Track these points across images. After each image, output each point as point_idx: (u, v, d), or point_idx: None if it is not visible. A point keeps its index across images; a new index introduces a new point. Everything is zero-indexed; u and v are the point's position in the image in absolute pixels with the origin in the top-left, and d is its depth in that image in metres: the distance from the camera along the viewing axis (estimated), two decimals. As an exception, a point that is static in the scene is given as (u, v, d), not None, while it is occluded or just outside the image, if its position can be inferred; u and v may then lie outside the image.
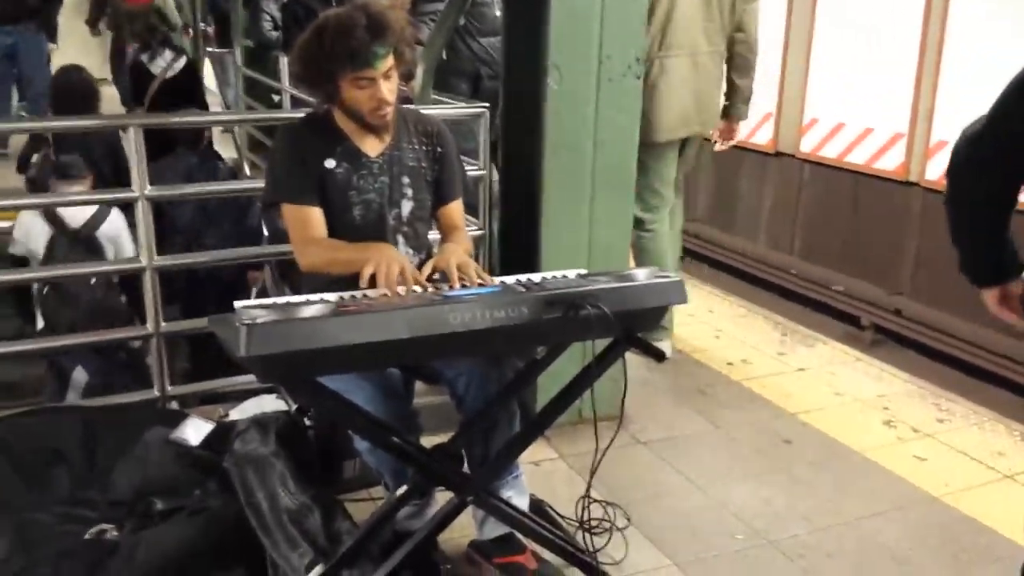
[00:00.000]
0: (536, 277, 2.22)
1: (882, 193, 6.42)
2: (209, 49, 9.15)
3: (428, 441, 2.36)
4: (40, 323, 4.44)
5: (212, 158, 5.50)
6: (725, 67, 4.23)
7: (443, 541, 2.54)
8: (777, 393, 3.87)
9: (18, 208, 4.45)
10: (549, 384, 2.63)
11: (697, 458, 3.30)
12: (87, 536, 2.40)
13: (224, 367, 2.53)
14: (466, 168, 2.85)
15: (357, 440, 2.42)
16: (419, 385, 2.71)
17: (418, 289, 2.13)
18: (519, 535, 2.47)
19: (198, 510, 2.43)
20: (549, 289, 2.06)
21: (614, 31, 3.13)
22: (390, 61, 2.34)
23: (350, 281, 2.20)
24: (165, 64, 6.65)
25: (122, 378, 3.97)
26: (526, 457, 2.61)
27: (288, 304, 1.94)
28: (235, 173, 6.14)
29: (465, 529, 2.57)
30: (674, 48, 3.85)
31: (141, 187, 3.02)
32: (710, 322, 4.74)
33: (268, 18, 6.76)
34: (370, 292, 2.12)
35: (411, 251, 2.54)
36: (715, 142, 4.49)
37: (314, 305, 1.90)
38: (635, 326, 2.17)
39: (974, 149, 1.89)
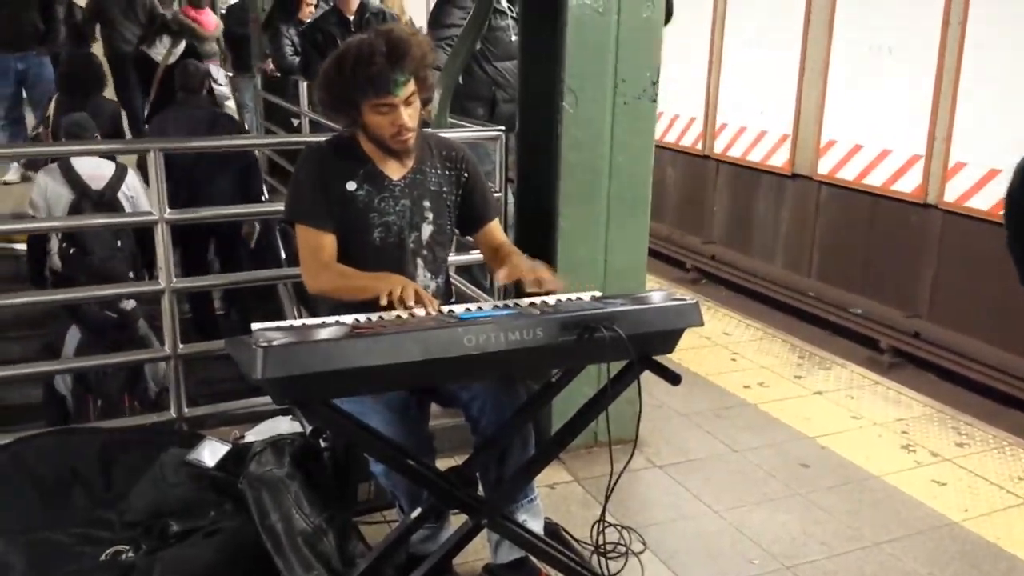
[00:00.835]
0: (551, 299, 2.22)
1: (900, 215, 6.40)
2: (229, 74, 9.23)
3: (443, 464, 2.37)
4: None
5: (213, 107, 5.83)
6: None
7: (457, 565, 2.53)
8: (794, 417, 3.85)
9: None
10: (564, 407, 2.62)
11: (714, 482, 3.28)
12: (103, 557, 2.41)
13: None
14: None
15: (372, 462, 2.42)
16: (434, 407, 2.71)
17: (432, 311, 2.13)
18: (534, 559, 2.46)
19: (213, 531, 2.44)
20: (564, 312, 2.06)
21: (629, 54, 3.15)
22: (411, 88, 2.36)
23: (366, 303, 2.21)
24: (165, 49, 6.67)
25: (113, 335, 4.24)
26: (541, 480, 2.61)
27: (304, 326, 1.95)
28: (238, 125, 6.25)
29: (479, 553, 2.56)
30: None
31: (161, 211, 3.06)
32: (727, 345, 4.72)
33: (289, 43, 6.82)
34: (385, 315, 2.12)
35: (429, 274, 2.55)
36: None
37: (329, 327, 1.90)
38: (650, 349, 2.17)
39: None
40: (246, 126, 9.20)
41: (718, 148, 8.19)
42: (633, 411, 2.39)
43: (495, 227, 2.67)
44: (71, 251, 4.51)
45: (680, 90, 8.22)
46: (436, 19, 4.89)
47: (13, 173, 7.95)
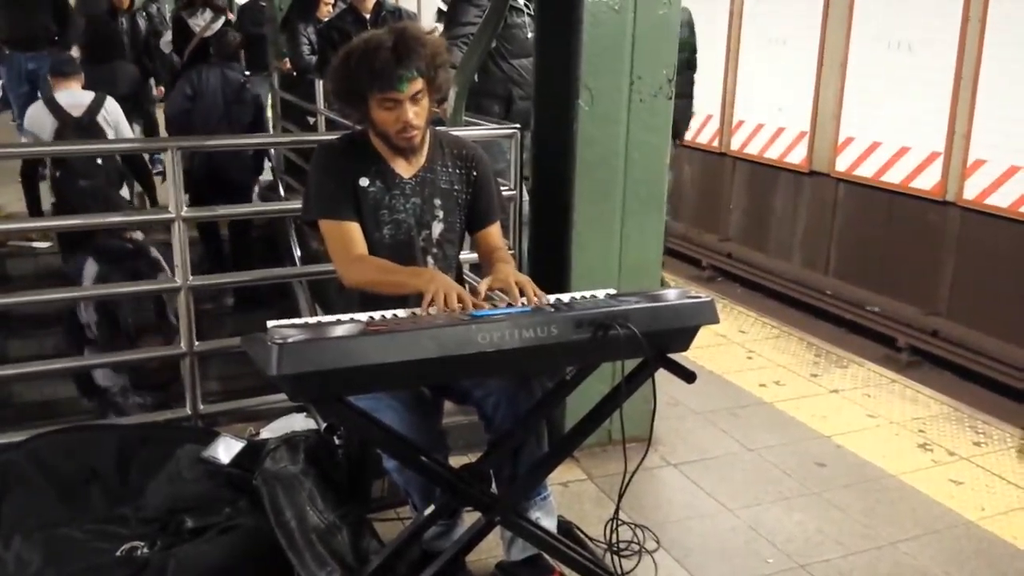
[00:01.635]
0: (566, 297, 2.22)
1: (918, 212, 6.37)
2: (247, 73, 9.28)
3: (456, 461, 2.37)
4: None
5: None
6: None
7: (470, 562, 2.53)
8: (810, 415, 3.83)
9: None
10: (578, 404, 2.62)
11: (728, 480, 3.27)
12: (118, 553, 2.42)
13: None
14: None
15: (386, 459, 2.43)
16: (448, 405, 2.71)
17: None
18: (547, 556, 2.45)
19: (228, 528, 2.45)
20: (579, 309, 2.05)
21: (645, 52, 3.14)
22: (418, 85, 2.36)
23: (383, 300, 2.22)
24: (204, 23, 6.95)
25: (130, 263, 4.63)
26: (554, 478, 2.61)
27: (319, 324, 1.95)
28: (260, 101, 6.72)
29: (493, 550, 2.56)
30: None
31: (178, 209, 3.08)
32: (742, 343, 4.70)
33: (306, 42, 6.84)
34: (400, 312, 2.13)
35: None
36: None
37: (344, 325, 1.91)
38: (665, 346, 2.16)
39: None
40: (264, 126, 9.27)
41: (735, 145, 8.16)
42: (648, 409, 2.38)
43: (495, 230, 2.66)
44: (57, 174, 5.37)
45: (696, 87, 8.18)
46: (452, 17, 4.90)
47: None
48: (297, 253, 6.00)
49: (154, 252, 4.80)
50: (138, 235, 4.94)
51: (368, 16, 5.94)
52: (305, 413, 2.91)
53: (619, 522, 2.49)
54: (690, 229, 8.64)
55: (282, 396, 2.54)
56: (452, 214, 2.56)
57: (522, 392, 2.38)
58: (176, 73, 7.56)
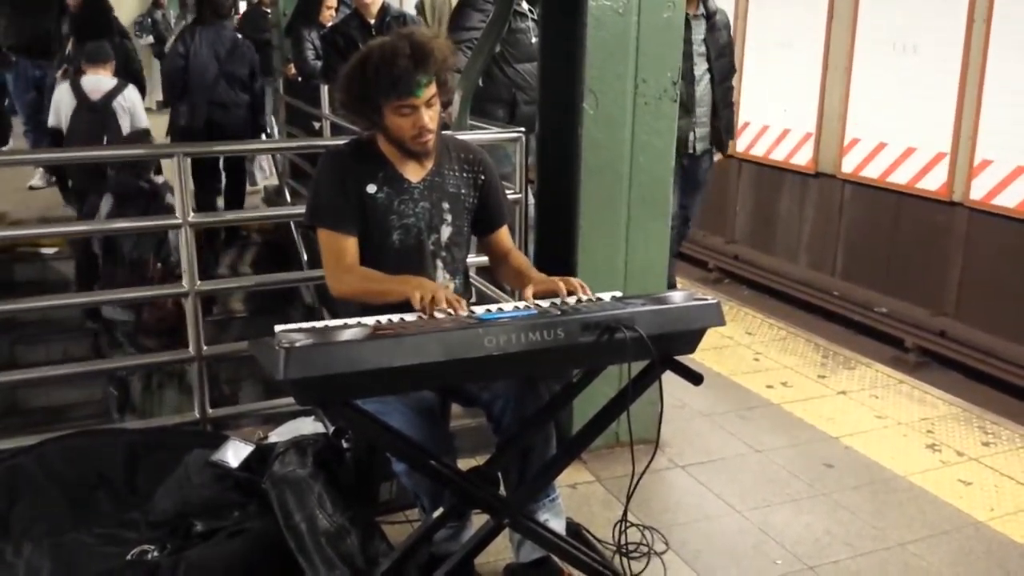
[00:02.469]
0: (572, 300, 2.23)
1: (925, 213, 6.35)
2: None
3: (465, 464, 2.38)
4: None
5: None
6: None
7: (479, 564, 2.53)
8: (818, 417, 3.83)
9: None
10: (585, 407, 2.62)
11: (736, 482, 3.27)
12: (128, 557, 2.43)
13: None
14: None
15: (394, 462, 2.43)
16: (455, 408, 2.72)
17: (463, 313, 2.14)
18: (556, 559, 2.46)
19: (237, 531, 2.46)
20: (585, 312, 2.06)
21: (649, 55, 3.15)
22: (432, 89, 2.37)
23: (390, 305, 2.22)
24: None
25: (142, 202, 5.05)
26: (563, 480, 2.61)
27: (326, 328, 1.96)
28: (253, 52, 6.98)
29: (502, 552, 2.57)
30: None
31: (185, 214, 3.09)
32: (749, 345, 4.70)
33: (311, 47, 6.85)
34: (407, 316, 2.13)
35: (448, 275, 2.56)
36: None
37: (351, 329, 1.92)
38: (672, 349, 2.17)
39: None
40: (268, 130, 9.31)
41: (740, 147, 8.14)
42: (655, 411, 2.38)
43: (504, 233, 2.69)
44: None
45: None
46: (456, 22, 4.91)
47: (39, 178, 8.06)
48: (304, 257, 6.02)
49: (169, 198, 5.03)
50: (159, 178, 5.38)
51: (373, 21, 5.95)
52: (313, 417, 2.92)
53: (628, 524, 2.48)
54: (696, 231, 8.62)
55: (290, 400, 2.55)
56: (460, 218, 2.57)
57: (529, 395, 2.39)
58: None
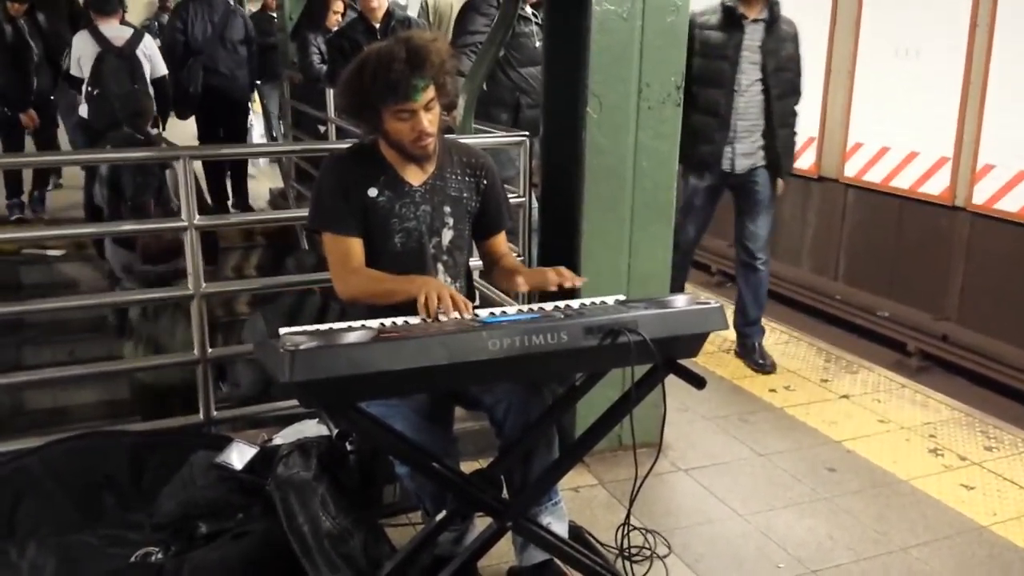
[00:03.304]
0: (575, 303, 2.23)
1: (928, 217, 6.35)
2: (258, 82, 9.32)
3: (468, 467, 2.38)
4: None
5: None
6: None
7: (482, 567, 2.54)
8: (821, 420, 3.83)
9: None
10: (588, 410, 2.63)
11: (739, 486, 3.28)
12: (132, 559, 2.44)
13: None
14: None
15: (397, 465, 2.44)
16: (459, 411, 2.72)
17: (467, 315, 2.15)
18: (558, 562, 2.46)
19: (241, 533, 2.47)
20: (588, 316, 2.07)
21: (653, 59, 3.15)
22: (430, 93, 2.38)
23: (395, 305, 2.24)
24: None
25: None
26: (565, 483, 2.62)
27: (330, 331, 1.97)
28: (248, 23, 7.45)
29: (504, 555, 2.58)
30: None
31: (191, 218, 3.10)
32: (752, 348, 4.70)
33: (316, 51, 6.87)
34: (411, 319, 2.14)
35: (449, 279, 2.57)
36: None
37: (355, 332, 1.93)
38: (674, 352, 2.17)
39: None
40: (273, 133, 9.35)
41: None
42: (657, 415, 2.39)
43: (502, 238, 2.70)
44: (95, 92, 6.22)
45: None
46: (460, 26, 4.92)
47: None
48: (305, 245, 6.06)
49: (163, 147, 5.21)
50: (154, 131, 5.65)
51: (378, 26, 5.97)
52: (317, 419, 2.93)
53: (630, 527, 2.50)
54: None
55: (294, 402, 2.56)
56: (461, 221, 2.59)
57: (533, 398, 2.40)
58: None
